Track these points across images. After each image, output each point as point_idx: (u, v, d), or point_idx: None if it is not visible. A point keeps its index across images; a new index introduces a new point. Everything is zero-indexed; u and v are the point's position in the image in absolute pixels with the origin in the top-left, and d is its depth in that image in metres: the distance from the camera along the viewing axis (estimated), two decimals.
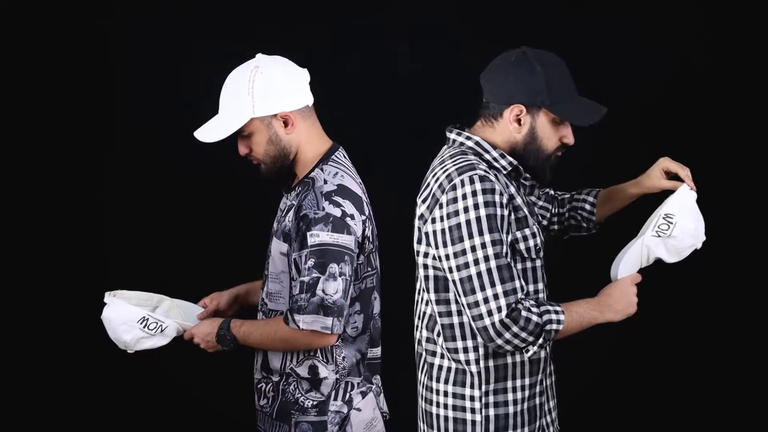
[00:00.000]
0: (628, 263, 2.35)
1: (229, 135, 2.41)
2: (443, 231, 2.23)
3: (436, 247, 2.26)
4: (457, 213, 2.21)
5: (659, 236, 2.32)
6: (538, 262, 2.34)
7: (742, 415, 3.84)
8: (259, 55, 2.47)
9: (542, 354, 2.37)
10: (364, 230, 2.40)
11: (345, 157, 2.51)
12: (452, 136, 2.38)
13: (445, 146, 2.41)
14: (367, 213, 2.43)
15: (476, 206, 2.19)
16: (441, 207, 2.24)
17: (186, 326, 2.53)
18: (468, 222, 2.19)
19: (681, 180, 2.43)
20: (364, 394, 2.48)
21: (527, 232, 2.29)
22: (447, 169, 2.28)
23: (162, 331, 2.49)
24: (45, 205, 3.90)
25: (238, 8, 3.87)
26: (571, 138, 2.36)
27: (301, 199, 2.37)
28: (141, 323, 2.47)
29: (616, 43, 3.76)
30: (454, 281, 2.23)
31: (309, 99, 2.47)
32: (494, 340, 2.18)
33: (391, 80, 3.84)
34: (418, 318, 2.43)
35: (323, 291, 2.30)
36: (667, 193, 2.43)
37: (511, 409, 2.32)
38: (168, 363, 3.80)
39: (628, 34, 3.76)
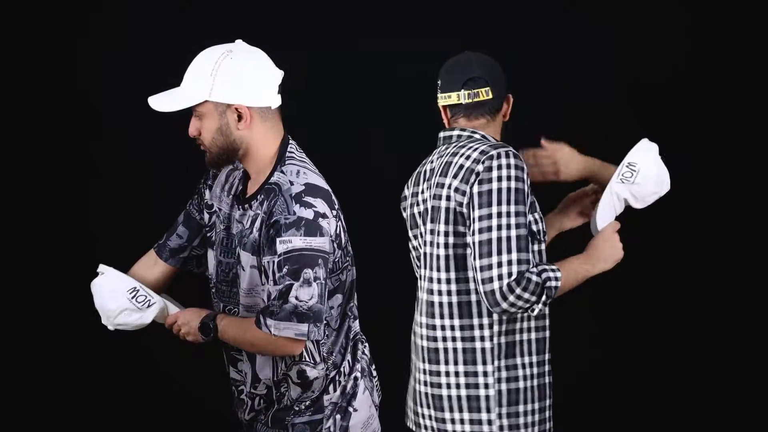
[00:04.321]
0: (604, 214, 2.49)
1: (179, 109, 2.30)
2: (473, 195, 2.37)
3: (472, 212, 2.37)
4: (490, 180, 2.35)
5: (623, 183, 2.47)
6: (543, 246, 2.48)
7: (732, 413, 3.86)
8: (238, 41, 2.35)
9: (547, 333, 2.49)
10: (337, 225, 2.32)
11: (298, 149, 2.40)
12: (455, 132, 2.53)
13: (445, 145, 2.54)
14: (336, 206, 2.34)
15: (509, 178, 2.35)
16: (477, 174, 2.37)
17: (171, 309, 2.47)
18: (499, 190, 2.34)
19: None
20: (357, 385, 2.43)
21: (537, 216, 2.44)
22: (478, 148, 2.42)
23: (149, 306, 2.41)
24: (35, 202, 3.89)
25: (239, 7, 3.90)
26: None
27: (271, 205, 2.26)
28: (130, 293, 2.40)
29: (614, 42, 3.79)
30: (473, 243, 2.35)
31: (274, 101, 2.33)
32: (499, 303, 2.31)
33: (392, 80, 3.87)
34: (419, 307, 2.53)
35: (296, 298, 2.22)
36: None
37: (521, 384, 2.44)
38: (166, 362, 3.84)
39: (626, 34, 3.79)
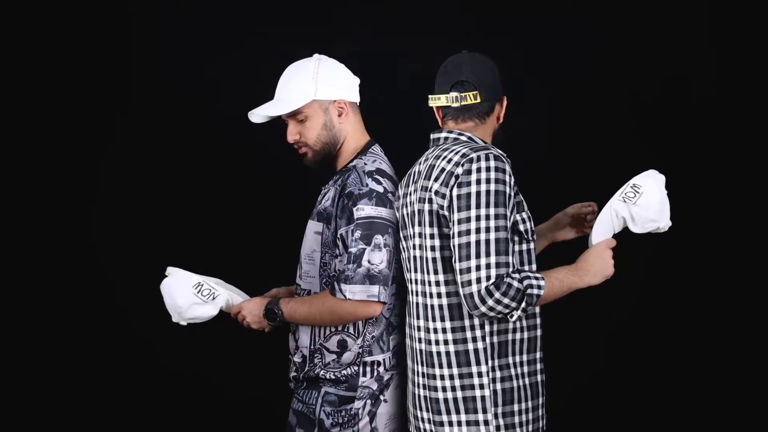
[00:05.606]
0: (600, 229, 2.48)
1: (290, 111, 2.59)
2: (452, 198, 2.36)
3: (452, 215, 2.37)
4: (469, 183, 2.34)
5: (625, 202, 2.45)
6: (532, 245, 2.46)
7: (733, 415, 3.86)
8: (316, 54, 2.69)
9: (538, 332, 2.48)
10: (397, 212, 2.54)
11: (381, 151, 2.69)
12: (443, 134, 2.54)
13: (434, 146, 2.55)
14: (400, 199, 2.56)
15: (488, 180, 2.33)
16: (457, 178, 2.36)
17: (236, 300, 2.67)
18: (478, 193, 2.32)
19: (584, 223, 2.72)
20: (392, 378, 2.58)
21: (524, 215, 2.43)
22: (459, 151, 2.41)
23: (214, 299, 2.61)
24: (40, 204, 3.95)
25: (240, 8, 3.90)
26: None
27: (344, 179, 2.55)
28: (196, 288, 2.61)
29: (614, 44, 3.80)
30: (453, 247, 2.34)
31: (358, 98, 2.70)
32: (478, 307, 2.29)
33: (391, 81, 3.88)
34: (412, 311, 2.52)
35: (369, 261, 2.46)
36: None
37: (515, 383, 2.43)
38: (166, 356, 3.86)
39: (626, 35, 3.79)
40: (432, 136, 2.57)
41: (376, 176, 2.54)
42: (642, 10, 3.81)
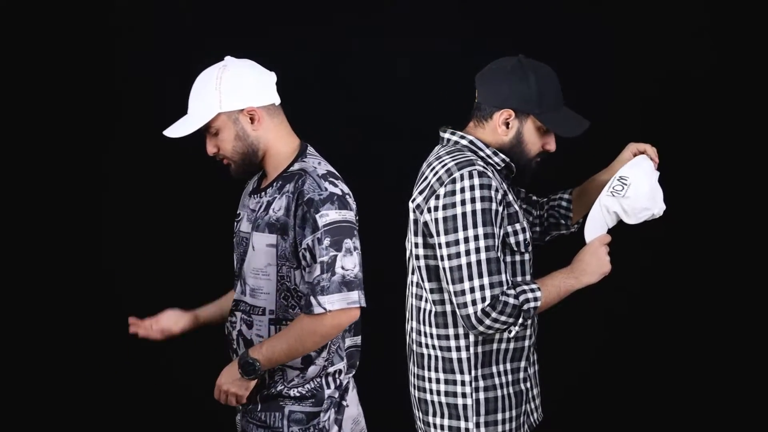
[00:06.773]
0: (593, 225, 2.44)
1: (196, 129, 2.43)
2: (437, 220, 2.35)
3: (434, 236, 2.36)
4: (454, 205, 2.32)
5: (614, 196, 2.42)
6: (527, 256, 2.45)
7: (731, 416, 3.87)
8: (227, 57, 2.51)
9: (526, 343, 2.48)
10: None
11: (315, 152, 2.53)
12: (446, 135, 2.50)
13: (439, 146, 2.53)
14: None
15: (473, 200, 2.30)
16: (438, 198, 2.35)
17: None
18: (464, 214, 2.30)
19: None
20: (349, 381, 2.51)
21: (518, 227, 2.40)
22: (446, 164, 2.38)
23: None
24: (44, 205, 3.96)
25: (240, 5, 3.90)
26: (553, 146, 2.49)
27: (299, 186, 2.37)
28: None
29: (614, 42, 3.80)
30: (444, 269, 2.34)
31: (275, 98, 2.49)
32: (476, 327, 2.30)
33: (391, 80, 3.88)
34: (408, 311, 2.55)
35: (342, 267, 2.31)
36: None
37: (498, 392, 2.44)
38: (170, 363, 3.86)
39: (627, 34, 3.80)
40: (440, 132, 2.54)
41: (331, 179, 2.39)
42: (642, 10, 3.81)
